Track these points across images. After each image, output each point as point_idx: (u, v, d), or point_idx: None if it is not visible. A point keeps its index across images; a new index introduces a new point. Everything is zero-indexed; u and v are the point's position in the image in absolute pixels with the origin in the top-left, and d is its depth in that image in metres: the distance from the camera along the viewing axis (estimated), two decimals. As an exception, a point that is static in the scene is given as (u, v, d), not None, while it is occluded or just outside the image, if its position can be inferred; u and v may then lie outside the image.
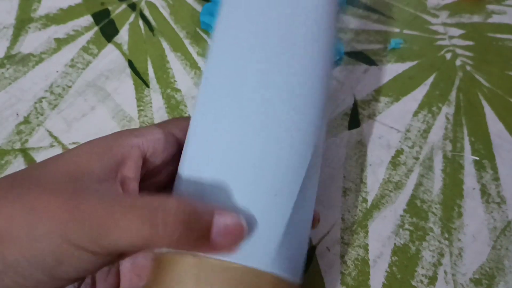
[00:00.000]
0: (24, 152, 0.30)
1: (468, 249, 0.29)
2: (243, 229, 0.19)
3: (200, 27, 0.37)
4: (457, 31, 0.40)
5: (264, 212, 0.20)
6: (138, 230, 0.17)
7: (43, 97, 0.32)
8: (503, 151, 0.34)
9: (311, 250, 0.28)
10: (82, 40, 0.35)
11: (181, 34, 0.37)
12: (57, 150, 0.30)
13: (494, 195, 0.31)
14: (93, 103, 0.32)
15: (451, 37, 0.40)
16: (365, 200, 0.30)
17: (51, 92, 0.33)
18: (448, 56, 0.38)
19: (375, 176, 0.31)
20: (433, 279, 0.28)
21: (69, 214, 0.17)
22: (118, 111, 0.32)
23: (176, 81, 0.34)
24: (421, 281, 0.28)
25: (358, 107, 0.34)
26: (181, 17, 0.38)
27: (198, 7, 0.39)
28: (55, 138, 0.31)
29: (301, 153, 0.20)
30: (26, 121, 0.31)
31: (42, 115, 0.31)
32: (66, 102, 0.32)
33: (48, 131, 0.31)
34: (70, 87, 0.33)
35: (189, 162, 0.20)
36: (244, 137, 0.20)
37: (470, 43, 0.40)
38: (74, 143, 0.31)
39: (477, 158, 0.33)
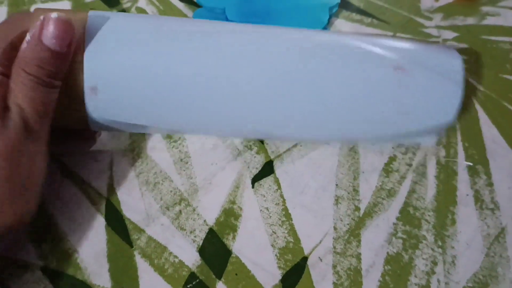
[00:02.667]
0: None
1: (462, 257, 0.29)
2: (64, 20, 0.23)
3: None
4: (451, 34, 0.40)
5: None
6: None
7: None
8: (497, 156, 0.33)
9: (303, 261, 0.28)
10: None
11: (172, 41, 0.36)
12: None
13: (488, 201, 0.31)
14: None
15: (445, 40, 0.39)
16: (357, 208, 0.30)
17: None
18: (442, 59, 0.38)
19: (367, 183, 0.31)
20: (426, 288, 0.28)
21: None
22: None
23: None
24: (414, 291, 0.28)
25: (351, 114, 0.34)
26: (172, 23, 0.37)
27: (189, 13, 0.38)
28: (44, 149, 0.30)
29: None
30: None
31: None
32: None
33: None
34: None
35: None
36: None
37: (464, 45, 0.39)
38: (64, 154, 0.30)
39: (471, 164, 0.33)
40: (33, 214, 0.24)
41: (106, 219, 0.28)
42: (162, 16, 0.28)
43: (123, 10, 0.38)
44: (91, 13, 0.25)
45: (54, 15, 0.23)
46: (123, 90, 0.25)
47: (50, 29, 0.23)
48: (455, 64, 0.28)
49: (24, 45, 0.23)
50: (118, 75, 0.25)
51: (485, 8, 0.42)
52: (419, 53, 0.28)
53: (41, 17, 0.23)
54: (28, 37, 0.23)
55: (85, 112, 0.25)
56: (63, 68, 0.24)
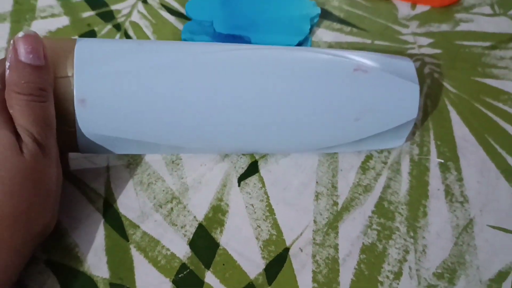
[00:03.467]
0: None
1: (432, 246, 0.31)
2: (32, 35, 0.26)
3: None
4: (426, 40, 0.43)
5: None
6: None
7: None
8: (468, 153, 0.36)
9: (285, 251, 0.30)
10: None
11: (164, 52, 0.39)
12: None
13: (458, 194, 0.34)
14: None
15: (420, 46, 0.42)
16: (335, 203, 0.33)
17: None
18: (417, 64, 0.41)
19: (345, 180, 0.34)
20: (398, 275, 0.30)
21: None
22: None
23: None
24: (387, 277, 0.30)
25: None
26: (163, 35, 0.40)
27: (180, 26, 0.41)
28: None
29: None
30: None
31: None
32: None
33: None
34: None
35: None
36: None
37: (438, 51, 0.42)
38: (64, 158, 0.33)
39: (442, 161, 0.35)
40: (55, 221, 0.27)
41: (104, 216, 0.31)
42: (149, 40, 0.32)
43: (118, 24, 0.40)
44: (79, 39, 0.28)
45: (20, 34, 0.26)
46: (112, 103, 0.28)
47: (22, 47, 0.25)
48: (409, 66, 0.32)
49: (6, 71, 0.25)
50: (107, 89, 0.27)
51: (458, 15, 0.45)
52: (376, 58, 0.31)
53: (11, 41, 0.26)
54: (7, 63, 0.25)
55: (74, 129, 0.28)
56: (48, 78, 0.26)
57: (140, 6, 0.42)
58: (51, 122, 0.26)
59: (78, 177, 0.32)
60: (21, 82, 0.25)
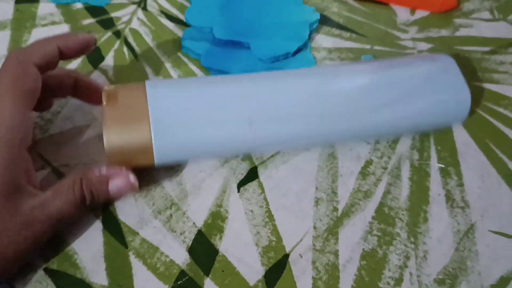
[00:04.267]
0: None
1: (433, 252, 0.31)
2: (133, 185, 0.29)
3: (182, 51, 0.40)
4: (425, 45, 0.43)
5: None
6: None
7: (35, 123, 0.35)
8: (468, 158, 0.36)
9: (285, 258, 0.30)
10: (71, 68, 0.38)
11: (163, 59, 0.39)
12: (48, 172, 0.32)
13: (459, 200, 0.33)
14: (81, 126, 0.35)
15: (420, 51, 0.42)
16: (335, 209, 0.32)
17: (42, 118, 0.35)
18: (417, 69, 0.40)
19: (345, 186, 0.34)
20: (399, 281, 0.30)
21: None
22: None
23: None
24: (388, 283, 0.30)
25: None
26: (163, 42, 0.40)
27: (179, 32, 0.41)
28: (46, 160, 0.33)
29: None
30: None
31: (33, 140, 0.34)
32: (55, 126, 0.35)
33: (39, 154, 0.33)
34: (59, 112, 0.35)
35: None
36: None
37: (438, 56, 0.42)
38: (64, 165, 0.33)
39: (443, 166, 0.35)
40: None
41: (103, 223, 0.31)
42: (195, 77, 0.36)
43: (118, 31, 0.41)
44: (147, 82, 0.31)
45: (131, 178, 0.30)
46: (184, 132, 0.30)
47: (117, 184, 0.29)
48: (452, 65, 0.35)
49: (95, 172, 0.29)
50: (177, 114, 0.30)
51: (458, 20, 0.45)
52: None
53: (119, 170, 0.29)
54: (98, 172, 0.29)
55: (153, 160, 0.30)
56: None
57: (140, 13, 0.42)
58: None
59: (77, 183, 0.32)
60: (93, 190, 0.29)
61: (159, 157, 0.30)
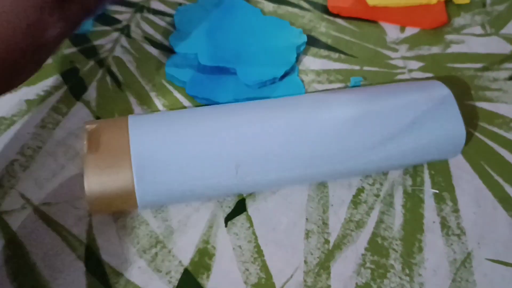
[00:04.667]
0: (-3, 215, 0.31)
1: (429, 284, 0.30)
2: None
3: (166, 79, 0.39)
4: (416, 64, 0.42)
5: None
6: None
7: (15, 160, 0.34)
8: (463, 182, 0.35)
9: (275, 296, 0.29)
10: (52, 100, 0.37)
11: (147, 87, 0.38)
12: (29, 212, 0.31)
13: (454, 227, 0.32)
14: (63, 162, 0.34)
15: (411, 70, 0.41)
16: (327, 241, 0.31)
17: (23, 154, 0.34)
18: (408, 89, 0.39)
19: (336, 216, 0.33)
20: (394, 317, 0.29)
21: None
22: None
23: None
24: (383, 320, 0.29)
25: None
26: (147, 70, 0.39)
27: (163, 59, 0.40)
28: (27, 199, 0.32)
29: None
30: (-1, 184, 0.33)
31: (14, 177, 0.33)
32: (37, 163, 0.34)
33: (20, 193, 0.32)
34: (40, 148, 0.34)
35: None
36: None
37: (430, 75, 0.41)
38: (45, 203, 0.32)
39: (437, 191, 0.34)
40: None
41: (86, 264, 0.30)
42: (179, 111, 0.34)
43: (101, 60, 0.40)
44: (130, 116, 0.31)
45: None
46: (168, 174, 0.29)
47: None
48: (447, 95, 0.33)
49: None
50: (161, 157, 0.29)
51: (449, 37, 0.44)
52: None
53: None
54: None
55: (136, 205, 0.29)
56: None
57: (124, 40, 0.41)
58: None
59: (59, 222, 0.31)
60: None
61: (142, 202, 0.29)
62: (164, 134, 0.30)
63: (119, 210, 0.30)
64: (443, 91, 0.33)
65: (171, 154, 0.29)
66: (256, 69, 0.38)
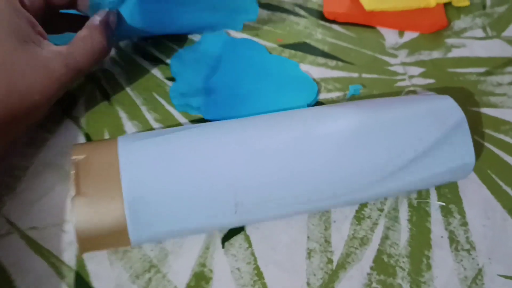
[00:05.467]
0: (-19, 243, 0.29)
1: (439, 304, 0.28)
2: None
3: (170, 102, 0.37)
4: (417, 70, 0.40)
5: None
6: None
7: (0, 181, 0.32)
8: (470, 193, 0.33)
9: (276, 321, 0.28)
10: (39, 118, 0.35)
11: (138, 101, 0.36)
12: (15, 237, 0.30)
13: (463, 241, 0.31)
14: (51, 183, 0.32)
15: (411, 77, 0.40)
16: (330, 261, 0.30)
17: (9, 175, 0.32)
18: (409, 97, 0.38)
19: (339, 233, 0.31)
20: None
21: None
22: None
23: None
24: None
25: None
26: (138, 82, 0.38)
27: (155, 71, 0.39)
28: (12, 223, 0.30)
29: None
30: (-17, 209, 0.31)
31: (-1, 201, 0.31)
32: (23, 184, 0.32)
33: (5, 217, 0.31)
34: (28, 168, 0.33)
35: None
36: None
37: (431, 81, 0.39)
38: (32, 227, 0.30)
39: (444, 204, 0.32)
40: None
41: (76, 293, 0.28)
42: (170, 129, 0.31)
43: (89, 74, 0.38)
44: (120, 138, 0.29)
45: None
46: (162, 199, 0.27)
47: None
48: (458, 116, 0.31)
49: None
50: (154, 187, 0.27)
51: (450, 40, 0.43)
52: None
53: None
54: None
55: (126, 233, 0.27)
56: None
57: (113, 51, 0.40)
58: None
59: (47, 248, 0.30)
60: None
61: (136, 242, 0.27)
62: (158, 166, 0.27)
63: (112, 248, 0.28)
64: (456, 115, 0.30)
65: (165, 190, 0.27)
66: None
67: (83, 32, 0.32)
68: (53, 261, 0.29)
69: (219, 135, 0.29)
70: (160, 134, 0.29)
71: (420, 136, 0.29)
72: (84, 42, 0.31)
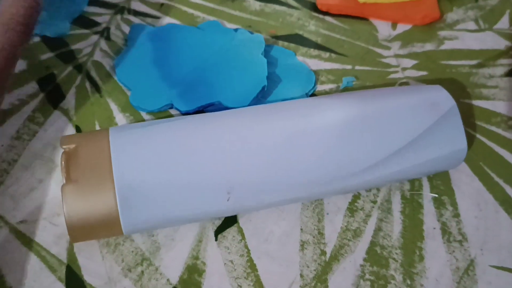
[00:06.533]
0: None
1: (432, 295, 0.29)
2: None
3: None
4: (410, 62, 0.40)
5: None
6: None
7: (-12, 174, 0.31)
8: (462, 184, 0.33)
9: (270, 314, 0.27)
10: (27, 109, 0.35)
11: (129, 93, 0.36)
12: (4, 231, 0.29)
13: (455, 233, 0.31)
14: (41, 176, 0.32)
15: (404, 69, 0.40)
16: (323, 253, 0.30)
17: (-3, 168, 0.32)
18: (402, 89, 0.38)
19: (332, 225, 0.31)
20: (396, 332, 0.27)
21: None
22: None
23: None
24: (385, 336, 0.27)
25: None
26: (129, 75, 0.37)
27: (146, 63, 0.38)
28: (1, 217, 0.30)
29: None
30: (-29, 202, 0.30)
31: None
32: (12, 177, 0.31)
33: (-6, 211, 0.30)
34: (16, 161, 0.32)
35: None
36: None
37: (424, 73, 0.39)
38: (21, 221, 0.30)
39: (436, 195, 0.33)
40: None
41: (67, 286, 0.28)
42: (164, 123, 0.29)
43: (79, 65, 0.37)
44: (111, 128, 0.28)
45: None
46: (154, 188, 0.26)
47: None
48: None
49: None
50: (146, 174, 0.26)
51: (442, 33, 0.43)
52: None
53: None
54: None
55: (118, 221, 0.26)
56: None
57: (103, 43, 0.39)
58: None
59: (38, 241, 0.29)
60: None
61: (128, 228, 0.27)
62: (150, 154, 0.27)
63: (104, 237, 0.28)
64: (448, 102, 0.31)
65: (157, 178, 0.26)
66: (238, 90, 0.35)
67: None
68: (44, 254, 0.29)
69: (212, 124, 0.29)
70: (151, 124, 0.29)
71: (412, 124, 0.29)
72: None
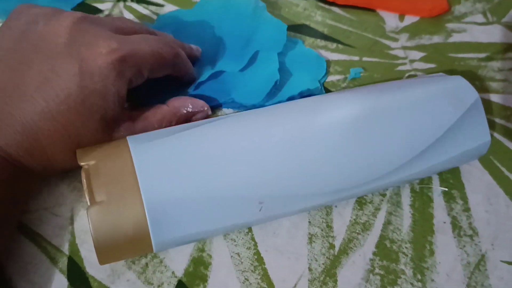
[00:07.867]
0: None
1: (443, 290, 0.28)
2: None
3: None
4: (418, 54, 0.39)
5: None
6: None
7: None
8: (472, 178, 0.33)
9: (278, 308, 0.27)
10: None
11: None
12: (4, 221, 0.28)
13: (466, 227, 0.30)
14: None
15: (412, 61, 0.39)
16: (332, 246, 0.29)
17: (-4, 157, 0.31)
18: (410, 81, 0.37)
19: (341, 218, 0.30)
20: (407, 328, 0.26)
21: None
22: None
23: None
24: (395, 331, 0.26)
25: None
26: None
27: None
28: (1, 207, 0.29)
29: None
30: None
31: None
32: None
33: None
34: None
35: None
36: None
37: (432, 65, 0.39)
38: (22, 211, 0.29)
39: (446, 189, 0.32)
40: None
41: (69, 279, 0.27)
42: (181, 126, 0.28)
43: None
44: (128, 138, 0.26)
45: (209, 111, 0.32)
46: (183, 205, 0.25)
47: (198, 118, 0.32)
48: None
49: (182, 111, 0.31)
50: (174, 189, 0.24)
51: (450, 25, 0.42)
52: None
53: (201, 106, 0.32)
54: (185, 110, 0.31)
55: (149, 240, 0.24)
56: None
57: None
58: None
59: (38, 232, 0.28)
60: None
61: (158, 246, 0.25)
62: (176, 166, 0.25)
63: (133, 256, 0.27)
64: (471, 95, 0.29)
65: (186, 192, 0.24)
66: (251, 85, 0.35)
67: (158, 114, 0.31)
68: (45, 245, 0.28)
69: (238, 131, 0.27)
70: (171, 132, 0.27)
71: (437, 121, 0.28)
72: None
